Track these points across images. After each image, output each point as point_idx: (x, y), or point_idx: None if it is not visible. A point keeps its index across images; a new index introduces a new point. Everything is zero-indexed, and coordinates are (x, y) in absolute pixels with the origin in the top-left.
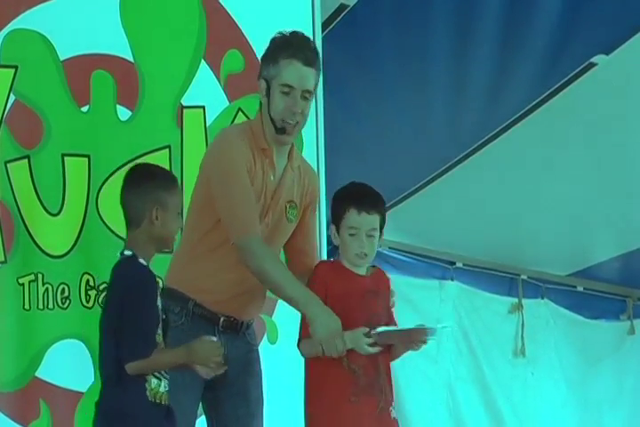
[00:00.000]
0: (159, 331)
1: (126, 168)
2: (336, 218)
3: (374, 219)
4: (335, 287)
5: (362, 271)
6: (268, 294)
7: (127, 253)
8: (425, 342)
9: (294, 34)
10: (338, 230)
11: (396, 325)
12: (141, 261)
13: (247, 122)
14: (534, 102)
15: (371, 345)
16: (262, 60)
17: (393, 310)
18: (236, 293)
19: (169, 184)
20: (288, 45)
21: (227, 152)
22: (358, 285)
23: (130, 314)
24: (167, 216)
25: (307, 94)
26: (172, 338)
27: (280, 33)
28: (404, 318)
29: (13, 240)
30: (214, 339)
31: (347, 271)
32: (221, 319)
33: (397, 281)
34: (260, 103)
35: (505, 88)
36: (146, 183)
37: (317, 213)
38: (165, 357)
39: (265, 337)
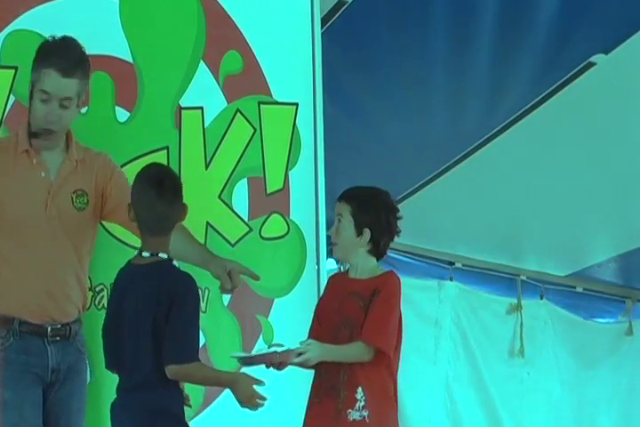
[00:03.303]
0: None
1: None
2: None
3: (342, 208)
4: (325, 294)
5: (363, 276)
6: (264, 294)
7: (163, 255)
8: (292, 363)
9: (59, 43)
10: None
11: (370, 317)
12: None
13: (17, 129)
14: (533, 102)
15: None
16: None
17: (374, 305)
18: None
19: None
20: (51, 54)
21: None
22: (343, 287)
23: (182, 319)
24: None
25: (65, 103)
26: (2, 359)
27: (48, 40)
28: (403, 319)
29: None
30: (262, 381)
31: (341, 276)
32: (49, 329)
33: None
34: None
35: (504, 87)
36: (178, 195)
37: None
38: (208, 372)
39: (260, 338)
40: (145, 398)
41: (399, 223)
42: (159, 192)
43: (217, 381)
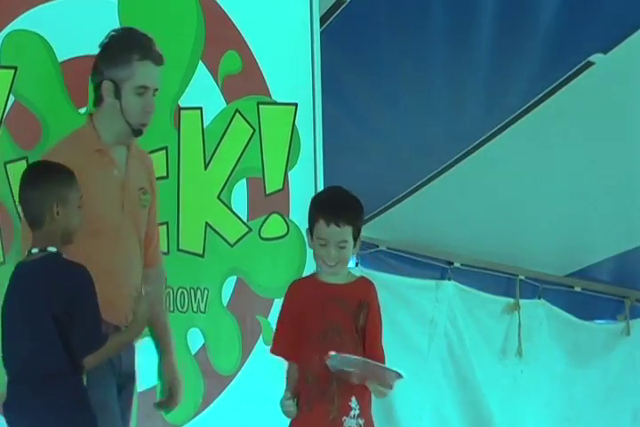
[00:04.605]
0: None
1: None
2: (309, 224)
3: (344, 231)
4: (298, 301)
5: (336, 279)
6: (263, 294)
7: (51, 249)
8: (390, 387)
9: (136, 32)
10: (311, 236)
11: (375, 344)
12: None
13: (75, 131)
14: (532, 101)
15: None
16: (104, 58)
17: (374, 323)
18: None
19: (68, 179)
20: (137, 45)
21: None
22: (320, 291)
23: (86, 310)
24: (69, 211)
25: (156, 92)
26: None
27: (117, 31)
28: (399, 318)
29: (12, 241)
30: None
31: (316, 282)
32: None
33: (394, 281)
34: (95, 102)
35: (503, 87)
36: (44, 180)
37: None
38: (112, 342)
39: (260, 338)
40: (52, 390)
41: None
42: (23, 180)
43: (122, 341)
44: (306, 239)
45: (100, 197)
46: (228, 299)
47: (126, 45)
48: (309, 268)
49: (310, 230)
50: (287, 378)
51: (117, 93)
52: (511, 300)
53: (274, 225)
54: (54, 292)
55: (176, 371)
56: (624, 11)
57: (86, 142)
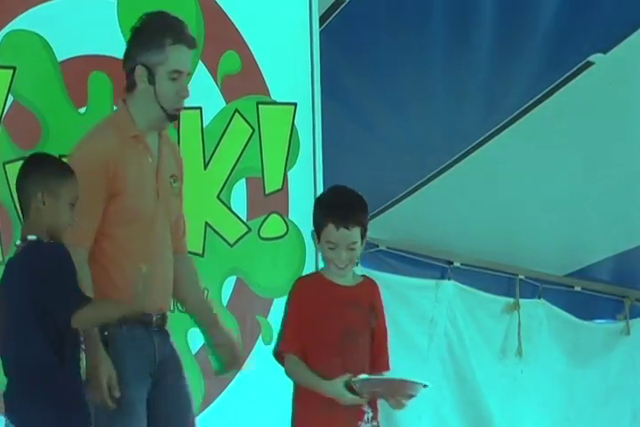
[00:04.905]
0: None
1: None
2: (316, 227)
3: (354, 233)
4: (314, 301)
5: (346, 281)
6: (263, 294)
7: (31, 237)
8: (411, 398)
9: (167, 16)
10: (319, 239)
11: (383, 345)
12: None
13: (110, 117)
14: (531, 101)
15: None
16: (137, 43)
17: (381, 324)
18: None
19: (60, 172)
20: (170, 29)
21: (78, 166)
22: (335, 295)
23: (58, 278)
24: (57, 204)
25: (189, 76)
26: (114, 353)
27: (149, 15)
28: (399, 318)
29: (12, 243)
30: None
31: (326, 283)
32: (154, 318)
33: (394, 281)
34: (128, 88)
35: (502, 87)
36: (35, 170)
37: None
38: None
39: (260, 338)
40: (42, 391)
41: None
42: (19, 170)
43: (113, 309)
44: (312, 242)
45: (137, 185)
46: (227, 299)
47: (159, 29)
48: (309, 267)
49: (317, 233)
50: (307, 372)
51: (151, 78)
52: (511, 299)
53: (273, 225)
54: (31, 277)
55: (232, 336)
56: (623, 10)
57: (122, 128)
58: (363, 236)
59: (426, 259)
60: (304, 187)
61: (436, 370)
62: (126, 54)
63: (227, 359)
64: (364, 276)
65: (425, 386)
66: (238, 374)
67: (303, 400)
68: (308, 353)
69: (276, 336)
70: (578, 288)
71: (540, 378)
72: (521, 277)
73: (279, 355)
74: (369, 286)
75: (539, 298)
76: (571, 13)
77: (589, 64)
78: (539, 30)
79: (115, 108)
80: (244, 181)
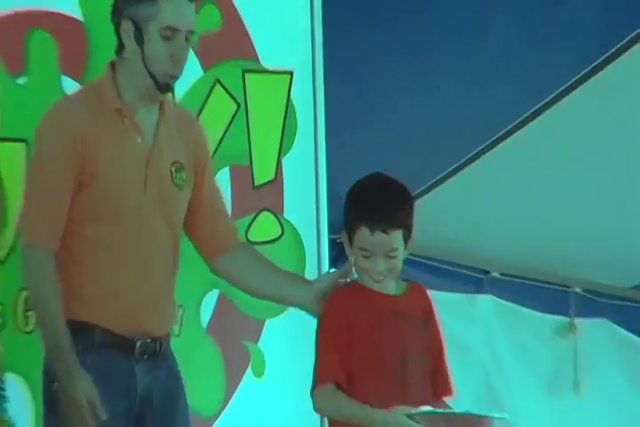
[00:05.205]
0: None
1: None
2: (347, 230)
3: (394, 237)
4: (358, 319)
5: (390, 289)
6: (253, 313)
7: None
8: None
9: None
10: (350, 242)
11: (441, 363)
12: None
13: (90, 84)
14: (567, 85)
15: None
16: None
17: (439, 338)
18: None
19: None
20: None
21: (42, 139)
22: (383, 307)
23: None
24: None
25: (190, 36)
26: None
27: None
28: None
29: None
30: None
31: (369, 293)
32: (137, 344)
33: None
34: (117, 50)
35: (535, 69)
36: None
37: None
38: None
39: (248, 370)
40: None
41: None
42: None
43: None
44: (343, 240)
45: (114, 171)
46: (207, 320)
47: None
48: (310, 275)
49: (349, 236)
50: (351, 402)
51: (139, 37)
52: (565, 319)
53: (264, 226)
54: None
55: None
56: None
57: (102, 99)
58: (406, 239)
59: (456, 268)
60: (303, 177)
61: (470, 408)
62: (113, 6)
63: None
64: (407, 280)
65: (500, 419)
66: (220, 417)
67: None
68: (354, 384)
69: (269, 368)
70: None
71: (602, 416)
72: (577, 290)
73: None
74: (418, 291)
75: (599, 317)
76: None
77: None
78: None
79: (62, 77)
80: (227, 169)
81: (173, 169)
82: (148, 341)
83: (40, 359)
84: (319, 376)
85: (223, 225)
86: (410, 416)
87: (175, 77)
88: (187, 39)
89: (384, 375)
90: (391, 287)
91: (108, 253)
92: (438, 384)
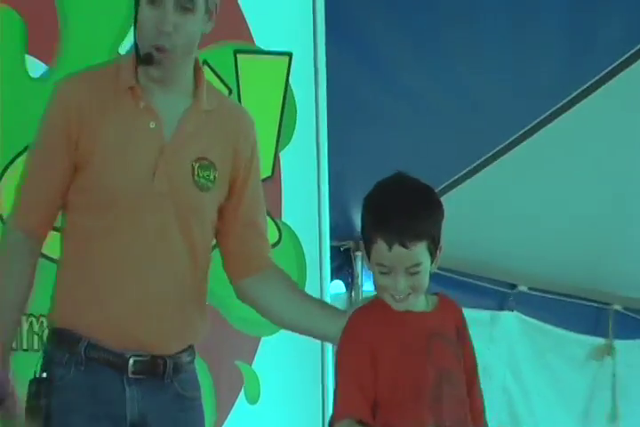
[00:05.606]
0: None
1: None
2: (364, 239)
3: (416, 252)
4: (384, 343)
5: (418, 305)
6: (246, 330)
7: None
8: None
9: None
10: (368, 257)
11: (474, 383)
12: None
13: (117, 58)
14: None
15: None
16: None
17: (473, 356)
18: (142, 301)
19: None
20: None
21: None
22: (413, 326)
23: None
24: None
25: (186, 4)
26: (58, 406)
27: None
28: None
29: None
30: None
31: (395, 311)
32: (130, 361)
33: None
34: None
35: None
36: None
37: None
38: None
39: (242, 394)
40: None
41: None
42: None
43: None
44: (364, 260)
45: (116, 154)
46: None
47: None
48: (312, 289)
49: (366, 249)
50: None
51: (135, 4)
52: (602, 340)
53: None
54: None
55: None
56: None
57: (119, 75)
58: (432, 252)
59: (478, 281)
60: (303, 175)
61: None
62: None
63: None
64: (437, 294)
65: None
66: None
67: None
68: (383, 413)
69: (264, 392)
70: None
71: None
72: (616, 307)
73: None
74: (450, 306)
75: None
76: None
77: None
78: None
79: (27, 58)
80: None
81: (197, 166)
82: (147, 358)
83: None
84: (336, 412)
85: (257, 244)
86: None
87: (161, 49)
88: (185, 8)
89: (418, 402)
90: (420, 303)
91: (96, 249)
92: (473, 406)
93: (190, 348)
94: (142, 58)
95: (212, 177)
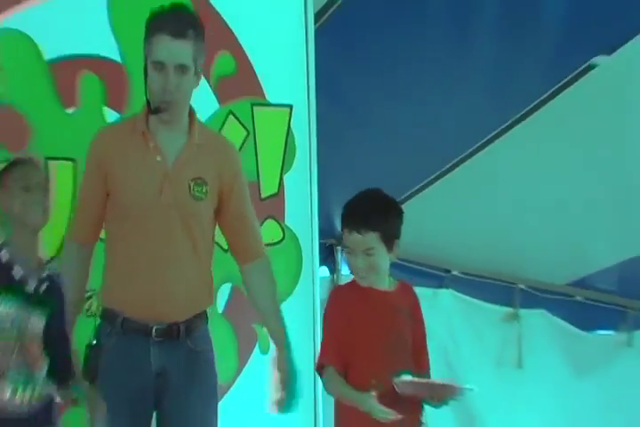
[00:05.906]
0: None
1: None
2: (341, 230)
3: (368, 238)
4: (357, 311)
5: (384, 286)
6: None
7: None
8: (452, 399)
9: (165, 6)
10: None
11: (424, 347)
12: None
13: (137, 113)
14: (534, 103)
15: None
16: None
17: (423, 328)
18: (156, 279)
19: (10, 163)
20: (154, 19)
21: (86, 158)
22: (380, 301)
23: None
24: (4, 195)
25: (184, 69)
26: (106, 359)
27: (155, 9)
28: None
29: None
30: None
31: (366, 289)
32: (153, 329)
33: None
34: None
35: (504, 88)
36: None
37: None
38: None
39: (256, 347)
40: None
41: None
42: None
43: None
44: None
45: (132, 183)
46: (223, 306)
47: (148, 21)
48: (306, 275)
49: (342, 237)
50: (343, 386)
51: (145, 71)
52: (510, 309)
53: (269, 230)
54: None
55: (288, 367)
56: (628, 12)
57: (136, 124)
58: (386, 241)
59: (423, 267)
60: (299, 191)
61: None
62: None
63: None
64: (399, 280)
65: (470, 389)
66: (235, 383)
67: (345, 417)
68: (355, 364)
69: (272, 345)
70: (579, 298)
71: (540, 390)
72: (521, 286)
73: (319, 369)
74: (406, 288)
75: (539, 308)
76: (575, 14)
77: (593, 66)
78: (542, 30)
79: (105, 109)
80: None
81: (192, 183)
82: (164, 327)
83: None
84: (321, 358)
85: (246, 239)
86: (393, 383)
87: (167, 102)
88: (182, 71)
89: (379, 357)
90: (384, 284)
91: (123, 247)
92: (423, 361)
93: (202, 313)
94: (153, 110)
95: (204, 191)
